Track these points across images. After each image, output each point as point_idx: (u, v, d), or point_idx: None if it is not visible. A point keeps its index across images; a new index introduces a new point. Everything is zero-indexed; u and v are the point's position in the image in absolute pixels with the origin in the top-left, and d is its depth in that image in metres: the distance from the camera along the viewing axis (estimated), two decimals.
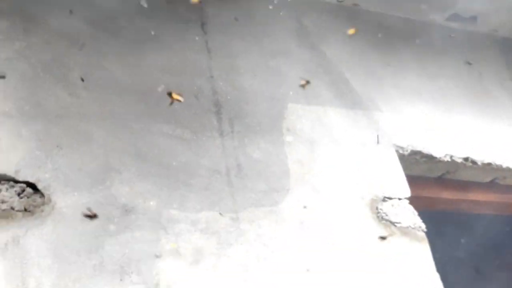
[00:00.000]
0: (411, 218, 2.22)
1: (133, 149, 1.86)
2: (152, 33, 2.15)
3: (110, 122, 1.87)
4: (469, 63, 2.99)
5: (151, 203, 1.79)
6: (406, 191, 2.29)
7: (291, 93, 2.33)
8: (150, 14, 2.21)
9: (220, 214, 1.87)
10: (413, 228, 2.20)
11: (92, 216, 1.67)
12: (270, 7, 2.52)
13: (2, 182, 1.62)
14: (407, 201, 2.27)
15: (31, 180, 1.64)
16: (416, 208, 2.28)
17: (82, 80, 1.89)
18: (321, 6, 2.69)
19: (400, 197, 2.26)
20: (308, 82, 2.37)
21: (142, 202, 1.77)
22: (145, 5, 2.18)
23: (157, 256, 1.69)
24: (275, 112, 2.23)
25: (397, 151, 2.40)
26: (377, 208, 2.18)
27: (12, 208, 1.59)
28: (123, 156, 1.82)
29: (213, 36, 2.29)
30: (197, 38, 2.25)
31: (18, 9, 1.94)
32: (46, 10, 1.99)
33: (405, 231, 2.17)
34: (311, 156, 2.18)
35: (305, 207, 2.04)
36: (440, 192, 2.68)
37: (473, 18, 3.07)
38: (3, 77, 1.79)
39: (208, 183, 1.92)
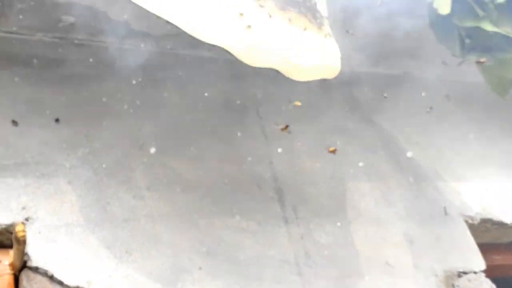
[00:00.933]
0: None
1: (202, 246, 1.84)
2: (210, 125, 2.17)
3: (176, 221, 1.86)
4: None
5: None
6: (481, 264, 2.21)
7: (351, 171, 2.30)
8: (205, 105, 2.23)
9: None
10: None
11: None
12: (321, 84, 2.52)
13: None
14: (483, 274, 2.18)
15: None
16: (490, 277, 2.20)
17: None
18: (372, 78, 2.68)
19: (476, 271, 2.18)
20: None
21: None
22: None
23: None
24: (337, 192, 2.20)
25: (466, 221, 2.34)
26: (453, 286, 2.10)
27: None
28: (192, 255, 1.80)
29: (268, 121, 2.30)
30: (253, 124, 2.26)
31: (79, 116, 1.98)
32: (105, 113, 2.03)
33: None
34: (379, 236, 2.13)
35: None
36: None
37: None
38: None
39: (279, 274, 1.88)
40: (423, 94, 2.71)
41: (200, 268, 1.78)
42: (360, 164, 2.32)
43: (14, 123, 1.86)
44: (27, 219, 1.67)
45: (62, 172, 1.83)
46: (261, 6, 1.76)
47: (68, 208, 1.76)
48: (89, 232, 1.73)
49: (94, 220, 1.76)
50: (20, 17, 2.05)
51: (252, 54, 1.68)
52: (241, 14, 1.69)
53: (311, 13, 1.99)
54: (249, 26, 1.68)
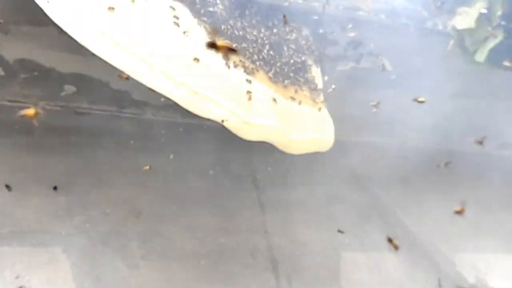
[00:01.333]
0: None
1: None
2: (205, 194, 2.19)
3: None
4: None
5: None
6: None
7: (346, 240, 2.31)
8: (202, 173, 2.26)
9: None
10: None
11: None
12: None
13: None
14: None
15: None
16: None
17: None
18: (371, 148, 2.72)
19: None
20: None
21: None
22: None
23: None
24: (332, 263, 2.20)
25: None
26: None
27: None
28: None
29: (265, 190, 2.32)
30: (249, 194, 2.28)
31: (77, 184, 2.00)
32: (103, 181, 2.06)
33: None
34: None
35: None
36: None
37: None
38: None
39: None
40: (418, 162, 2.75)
41: None
42: (356, 233, 2.34)
43: (8, 188, 1.89)
44: None
45: (58, 240, 1.84)
46: (249, 80, 1.81)
47: (62, 277, 1.76)
48: None
49: None
50: (24, 86, 2.11)
51: (246, 129, 1.72)
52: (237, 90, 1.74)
53: (307, 85, 2.04)
54: (241, 99, 1.73)
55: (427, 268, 2.34)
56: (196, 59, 1.71)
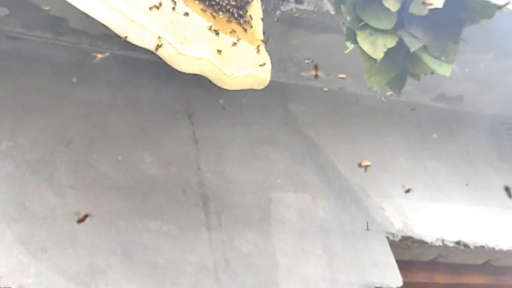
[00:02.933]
0: None
1: (120, 248, 1.84)
2: (140, 127, 2.17)
3: (96, 221, 1.85)
4: (457, 143, 3.02)
5: None
6: (398, 280, 2.26)
7: (279, 181, 2.33)
8: (137, 106, 2.23)
9: None
10: None
11: None
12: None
13: None
14: None
15: (13, 286, 1.62)
16: None
17: None
18: (308, 92, 2.73)
19: (392, 287, 2.23)
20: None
21: None
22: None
23: None
24: (263, 202, 2.23)
25: (387, 237, 2.39)
26: None
27: None
28: (109, 257, 1.80)
29: (200, 127, 2.31)
30: (184, 130, 2.27)
31: (6, 110, 1.95)
32: (34, 109, 2.01)
33: None
34: (300, 248, 2.17)
35: None
36: (433, 277, 2.65)
37: (459, 98, 3.13)
38: None
39: (196, 281, 1.89)
40: (356, 110, 2.78)
41: (116, 270, 1.78)
42: (288, 175, 2.36)
43: None
44: None
45: None
46: (186, 13, 1.78)
47: None
48: (5, 227, 1.71)
49: (11, 215, 1.75)
50: None
51: (180, 59, 1.70)
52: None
53: (247, 22, 2.02)
54: (178, 30, 1.70)
55: (356, 212, 2.39)
56: None
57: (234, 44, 1.88)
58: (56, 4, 1.84)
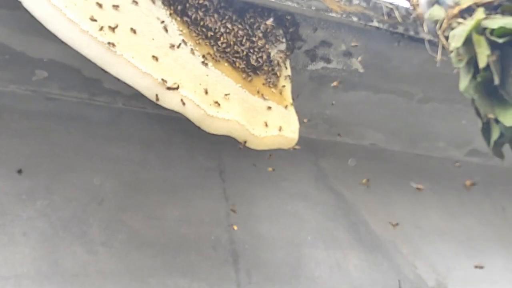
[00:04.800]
0: None
1: None
2: (171, 184, 2.21)
3: (127, 278, 1.88)
4: (492, 198, 2.99)
5: None
6: None
7: (309, 237, 2.33)
8: (169, 164, 2.27)
9: None
10: None
11: None
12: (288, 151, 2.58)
13: None
14: None
15: None
16: None
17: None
18: (339, 148, 2.74)
19: None
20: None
21: None
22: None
23: None
24: (293, 259, 2.23)
25: None
26: None
27: None
28: None
29: (231, 183, 2.34)
30: (215, 187, 2.30)
31: (42, 169, 2.01)
32: (68, 167, 2.07)
33: None
34: None
35: None
36: None
37: None
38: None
39: None
40: (387, 166, 2.78)
41: None
42: (319, 231, 2.36)
43: None
44: None
45: (18, 223, 1.86)
46: (215, 73, 1.83)
47: (20, 260, 1.78)
48: (37, 285, 1.75)
49: (44, 273, 1.78)
50: None
51: (209, 121, 1.74)
52: (200, 83, 1.76)
53: (275, 82, 2.06)
54: (206, 92, 1.75)
55: (387, 269, 2.37)
56: (167, 52, 1.74)
57: (262, 104, 1.92)
58: (91, 66, 1.90)
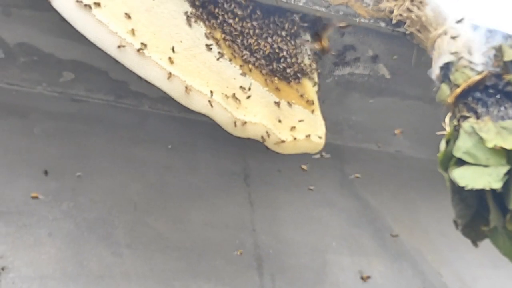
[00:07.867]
0: None
1: None
2: (196, 187, 2.20)
3: (151, 281, 1.87)
4: None
5: None
6: None
7: (334, 244, 2.31)
8: (194, 167, 2.27)
9: None
10: None
11: None
12: (313, 157, 2.56)
13: None
14: None
15: None
16: None
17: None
18: (364, 154, 2.72)
19: None
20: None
21: None
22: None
23: None
24: (317, 265, 2.21)
25: None
26: None
27: None
28: None
29: (256, 188, 2.33)
30: (240, 191, 2.29)
31: (68, 170, 2.02)
32: (94, 168, 2.08)
33: None
34: None
35: None
36: None
37: None
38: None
39: None
40: (413, 173, 2.75)
41: None
42: (344, 237, 2.34)
43: None
44: (2, 269, 1.70)
45: (44, 224, 1.86)
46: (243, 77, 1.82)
47: (45, 260, 1.78)
48: (62, 286, 1.75)
49: (69, 274, 1.78)
50: (23, 70, 2.13)
51: (236, 124, 1.73)
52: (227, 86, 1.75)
53: (302, 87, 2.05)
54: (233, 95, 1.74)
55: (412, 277, 2.34)
56: (195, 54, 1.74)
57: (289, 108, 1.91)
58: (118, 68, 1.91)
